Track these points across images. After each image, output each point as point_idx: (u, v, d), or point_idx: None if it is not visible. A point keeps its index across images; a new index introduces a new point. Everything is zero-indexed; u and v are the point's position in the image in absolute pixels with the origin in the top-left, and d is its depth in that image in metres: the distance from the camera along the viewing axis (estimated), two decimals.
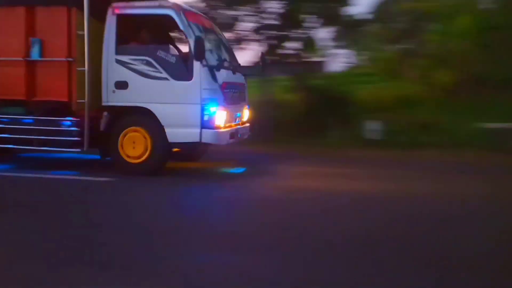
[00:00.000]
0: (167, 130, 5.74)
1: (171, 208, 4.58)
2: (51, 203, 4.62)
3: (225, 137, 5.88)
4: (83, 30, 5.72)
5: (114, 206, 4.54)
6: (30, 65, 6.00)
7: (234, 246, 3.32)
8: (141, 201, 4.81)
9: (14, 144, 6.09)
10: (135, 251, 3.19)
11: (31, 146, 6.06)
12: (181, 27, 5.77)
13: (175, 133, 5.75)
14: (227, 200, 4.92)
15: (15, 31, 5.98)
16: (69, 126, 5.90)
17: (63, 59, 5.86)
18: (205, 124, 5.68)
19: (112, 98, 5.83)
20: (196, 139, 5.73)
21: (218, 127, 5.73)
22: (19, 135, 5.99)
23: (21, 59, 5.96)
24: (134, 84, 5.81)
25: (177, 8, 5.84)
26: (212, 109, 5.69)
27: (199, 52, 5.55)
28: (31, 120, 6.06)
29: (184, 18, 5.76)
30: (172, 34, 7.36)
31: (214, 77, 5.72)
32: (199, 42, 5.55)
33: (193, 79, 5.72)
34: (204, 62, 5.63)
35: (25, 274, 2.70)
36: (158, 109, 5.75)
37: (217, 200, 4.98)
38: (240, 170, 6.86)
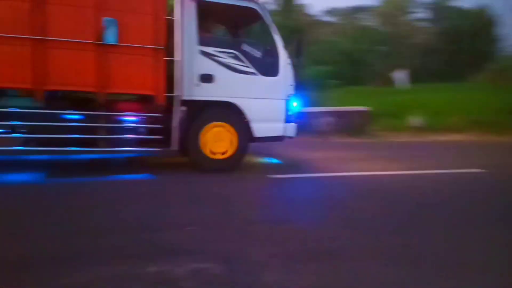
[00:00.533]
0: (253, 124, 5.77)
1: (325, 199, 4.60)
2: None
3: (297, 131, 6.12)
4: (172, 14, 5.27)
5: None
6: (102, 50, 4.92)
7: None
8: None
9: (79, 146, 5.06)
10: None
11: (100, 147, 5.15)
12: (267, 22, 5.80)
13: (262, 128, 5.84)
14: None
15: (82, 5, 4.82)
16: (152, 123, 5.33)
17: (149, 46, 5.07)
18: (288, 119, 5.95)
19: (195, 92, 5.47)
20: (281, 133, 5.96)
21: (296, 121, 6.03)
22: (87, 134, 5.07)
23: (90, 42, 4.84)
24: (220, 77, 5.57)
25: (261, 3, 5.77)
26: (294, 104, 6.00)
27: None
28: (133, 118, 5.33)
29: (268, 14, 5.82)
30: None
31: (294, 74, 5.93)
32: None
33: (279, 75, 5.90)
34: (289, 59, 5.87)
35: None
36: (244, 104, 5.72)
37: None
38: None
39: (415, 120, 11.94)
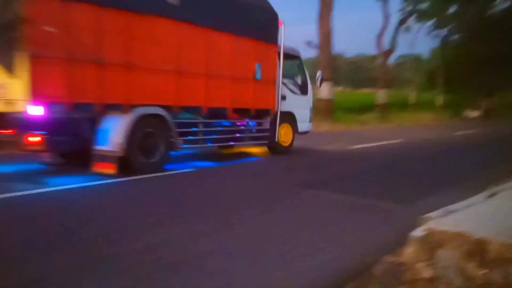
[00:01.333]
0: (298, 124, 9.39)
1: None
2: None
3: None
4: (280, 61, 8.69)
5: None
6: (254, 83, 8.12)
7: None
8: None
9: (234, 142, 8.35)
10: None
11: (239, 142, 8.42)
12: (303, 66, 9.71)
13: (302, 126, 9.48)
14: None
15: (246, 57, 7.92)
16: (268, 126, 8.70)
17: (272, 80, 8.52)
18: (310, 120, 9.91)
19: (279, 106, 8.73)
20: (308, 129, 9.84)
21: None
22: (240, 134, 8.27)
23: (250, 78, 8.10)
24: (288, 97, 9.07)
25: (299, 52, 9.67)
26: (312, 112, 10.08)
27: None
28: (253, 124, 8.52)
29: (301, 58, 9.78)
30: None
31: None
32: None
33: (308, 95, 9.77)
34: (311, 85, 9.98)
35: None
36: (296, 112, 9.29)
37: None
38: None
39: None
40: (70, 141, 5.91)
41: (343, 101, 22.75)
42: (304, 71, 9.63)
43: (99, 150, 5.91)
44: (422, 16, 36.35)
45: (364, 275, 2.61)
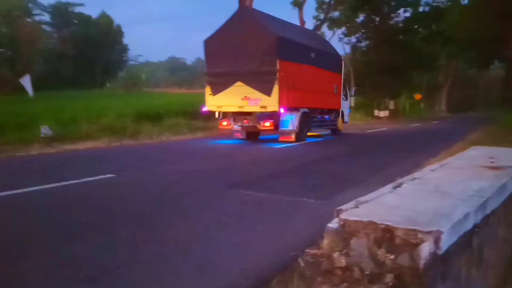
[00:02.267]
0: (344, 117, 16.47)
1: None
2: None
3: None
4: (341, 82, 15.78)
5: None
6: (333, 95, 15.07)
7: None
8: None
9: (323, 127, 15.26)
10: None
11: (325, 127, 15.37)
12: (346, 84, 16.83)
13: (346, 119, 16.68)
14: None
15: (328, 81, 14.52)
16: (334, 118, 15.52)
17: (341, 93, 15.79)
18: (348, 115, 17.54)
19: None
20: (347, 121, 17.10)
21: None
22: (325, 122, 15.03)
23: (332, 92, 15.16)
24: (341, 102, 15.88)
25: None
26: (350, 110, 18.24)
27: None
28: (327, 117, 15.00)
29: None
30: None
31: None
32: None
33: (348, 99, 17.14)
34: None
35: None
36: (344, 111, 16.21)
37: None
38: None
39: (45, 129, 10.73)
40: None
41: None
42: (346, 86, 16.80)
43: (284, 130, 12.01)
44: (334, 23, 38.65)
45: (288, 269, 2.70)
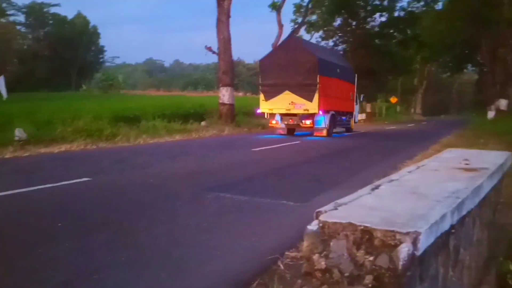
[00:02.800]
0: (355, 119, 20.68)
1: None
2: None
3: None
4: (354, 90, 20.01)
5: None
6: (349, 101, 19.09)
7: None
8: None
9: (341, 127, 18.87)
10: None
11: (342, 127, 19.06)
12: (355, 91, 20.15)
13: (356, 119, 20.82)
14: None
15: (346, 90, 18.60)
16: (348, 119, 19.49)
17: (354, 99, 20.08)
18: (357, 116, 22.02)
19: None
20: (357, 121, 21.48)
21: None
22: (342, 123, 18.65)
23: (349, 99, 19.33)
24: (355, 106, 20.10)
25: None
26: (358, 112, 22.80)
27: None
28: (344, 118, 18.57)
29: None
30: None
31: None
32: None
33: (357, 104, 21.11)
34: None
35: None
36: (355, 112, 20.27)
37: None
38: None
39: (19, 132, 10.47)
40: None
41: (244, 105, 23.26)
42: (356, 93, 20.09)
43: (318, 127, 15.67)
44: (312, 27, 39.06)
45: (268, 272, 2.69)
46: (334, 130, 17.20)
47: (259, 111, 16.60)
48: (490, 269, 2.64)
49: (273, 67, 15.82)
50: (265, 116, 16.66)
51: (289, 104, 15.48)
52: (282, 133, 16.34)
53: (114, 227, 3.95)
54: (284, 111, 15.72)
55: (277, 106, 15.79)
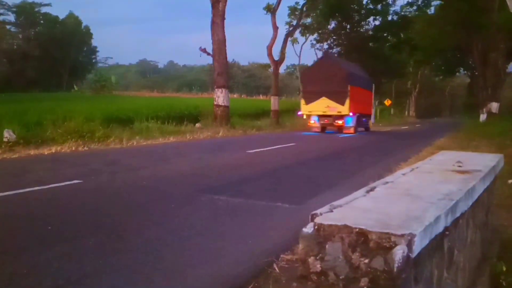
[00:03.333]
0: (371, 120, 25.70)
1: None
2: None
3: None
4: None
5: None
6: (369, 105, 24.36)
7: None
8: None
9: (361, 127, 22.32)
10: None
11: (361, 127, 22.41)
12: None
13: (372, 119, 27.35)
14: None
15: (367, 96, 23.65)
16: (367, 120, 23.93)
17: (372, 104, 26.36)
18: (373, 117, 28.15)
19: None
20: (374, 122, 27.97)
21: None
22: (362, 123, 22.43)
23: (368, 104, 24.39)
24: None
25: None
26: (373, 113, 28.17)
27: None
28: (365, 120, 22.65)
29: None
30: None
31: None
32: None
33: (373, 108, 27.46)
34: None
35: None
36: (372, 115, 26.62)
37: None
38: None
39: (8, 133, 10.29)
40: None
41: (239, 107, 23.26)
42: (372, 98, 24.76)
43: (348, 126, 19.57)
44: (306, 30, 39.20)
45: (263, 275, 2.68)
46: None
47: (300, 113, 20.98)
48: (484, 270, 2.65)
49: (312, 78, 20.10)
50: (304, 117, 20.91)
51: (325, 107, 19.61)
52: (317, 130, 20.19)
53: (106, 230, 3.91)
54: (321, 113, 19.88)
55: (315, 109, 19.91)
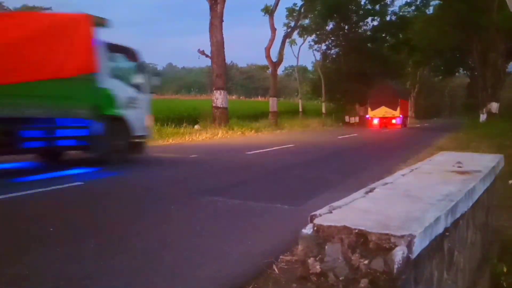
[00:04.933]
0: (407, 120, 36.64)
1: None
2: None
3: None
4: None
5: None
6: (407, 110, 37.67)
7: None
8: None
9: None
10: None
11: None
12: None
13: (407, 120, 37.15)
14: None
15: (406, 104, 35.69)
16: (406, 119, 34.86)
17: (408, 108, 39.53)
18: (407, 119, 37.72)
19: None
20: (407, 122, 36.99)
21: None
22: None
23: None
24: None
25: None
26: None
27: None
28: (400, 120, 31.52)
29: None
30: None
31: None
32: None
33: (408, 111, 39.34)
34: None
35: None
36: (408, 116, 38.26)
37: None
38: None
39: None
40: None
41: (237, 109, 23.26)
42: (408, 105, 36.21)
43: (397, 123, 30.35)
44: (304, 31, 39.24)
45: (263, 276, 2.67)
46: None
47: (368, 116, 31.23)
48: (484, 271, 2.65)
49: (376, 94, 30.65)
50: (368, 118, 31.21)
51: (384, 112, 30.03)
52: (379, 127, 29.28)
53: (107, 232, 3.90)
54: (382, 116, 30.15)
55: (377, 114, 30.28)
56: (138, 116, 8.80)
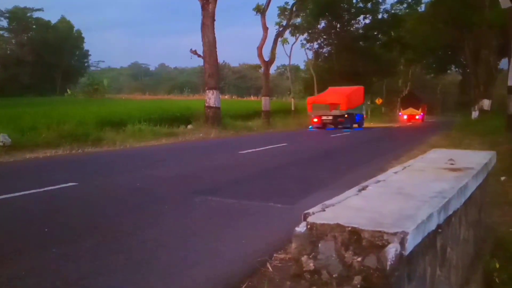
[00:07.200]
0: (423, 117, 47.22)
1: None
2: None
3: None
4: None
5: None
6: (424, 109, 46.68)
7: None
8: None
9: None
10: None
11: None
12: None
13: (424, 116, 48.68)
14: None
15: (424, 105, 46.22)
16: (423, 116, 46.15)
17: (426, 107, 49.83)
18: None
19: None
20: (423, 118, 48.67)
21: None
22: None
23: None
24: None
25: None
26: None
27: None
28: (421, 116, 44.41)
29: None
30: None
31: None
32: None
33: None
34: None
35: None
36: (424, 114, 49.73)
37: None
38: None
39: (3, 137, 10.33)
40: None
41: (230, 108, 23.23)
42: (425, 105, 47.18)
43: (419, 118, 42.88)
44: (296, 30, 39.30)
45: (257, 274, 2.67)
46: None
47: (400, 113, 42.65)
48: (477, 268, 2.67)
49: (405, 99, 43.13)
50: (400, 115, 42.20)
51: (411, 111, 40.37)
52: (406, 122, 37.76)
53: (102, 232, 3.88)
54: (409, 114, 40.46)
55: (406, 112, 41.03)
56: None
